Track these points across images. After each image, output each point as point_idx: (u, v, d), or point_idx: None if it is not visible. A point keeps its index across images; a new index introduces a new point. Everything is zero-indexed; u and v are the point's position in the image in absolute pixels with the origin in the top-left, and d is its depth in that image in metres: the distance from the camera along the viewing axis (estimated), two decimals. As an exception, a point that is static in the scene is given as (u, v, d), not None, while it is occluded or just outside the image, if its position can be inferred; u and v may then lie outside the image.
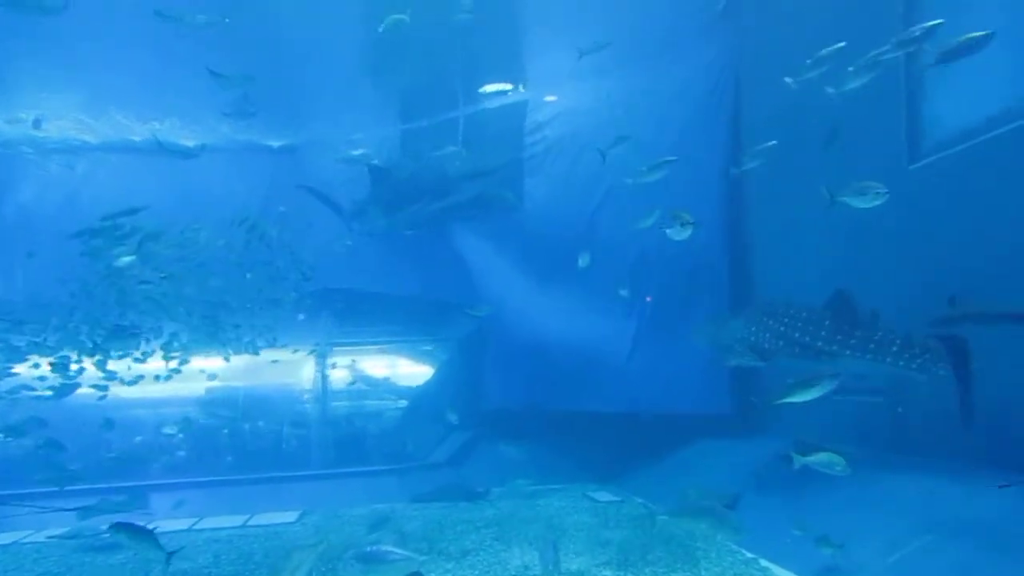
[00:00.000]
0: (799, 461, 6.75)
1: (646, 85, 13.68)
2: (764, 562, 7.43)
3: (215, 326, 12.58)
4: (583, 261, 11.66)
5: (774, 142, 9.56)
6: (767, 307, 8.87)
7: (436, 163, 14.38)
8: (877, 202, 6.97)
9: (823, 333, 7.89)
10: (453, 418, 12.37)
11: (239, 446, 14.52)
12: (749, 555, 7.64)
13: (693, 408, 12.31)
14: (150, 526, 6.95)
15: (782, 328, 8.30)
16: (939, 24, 6.99)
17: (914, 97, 8.76)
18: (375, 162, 13.49)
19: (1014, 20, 7.18)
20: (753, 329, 8.74)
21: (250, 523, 10.64)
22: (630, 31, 12.53)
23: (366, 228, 15.44)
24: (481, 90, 14.11)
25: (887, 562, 6.41)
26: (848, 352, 7.64)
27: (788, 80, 8.87)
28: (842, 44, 8.16)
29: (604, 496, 11.52)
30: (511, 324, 14.22)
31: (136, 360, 12.10)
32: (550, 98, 15.19)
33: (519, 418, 13.30)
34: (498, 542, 8.81)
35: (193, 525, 10.64)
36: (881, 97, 8.82)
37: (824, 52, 8.27)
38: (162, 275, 11.33)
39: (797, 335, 8.12)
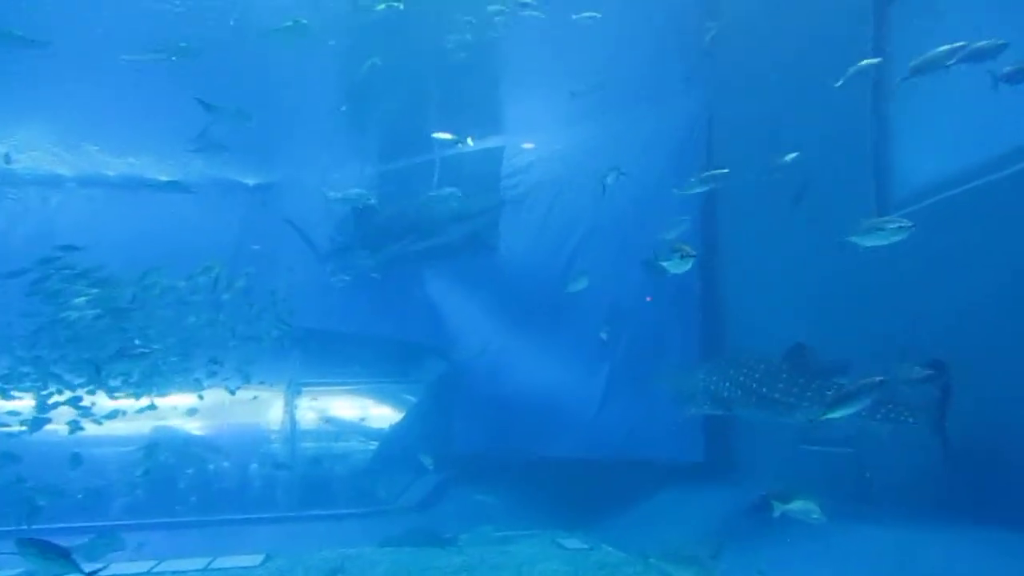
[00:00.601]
0: (779, 508, 6.75)
1: (621, 131, 13.91)
2: (735, 612, 7.39)
3: (184, 364, 12.36)
4: (577, 285, 11.51)
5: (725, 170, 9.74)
6: (730, 357, 9.05)
7: (424, 203, 14.37)
8: (898, 237, 6.63)
9: (780, 384, 7.96)
10: (428, 462, 12.13)
11: (203, 486, 14.23)
12: (720, 605, 7.60)
13: (665, 455, 12.28)
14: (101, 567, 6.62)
15: (741, 378, 8.39)
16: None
17: (882, 149, 8.98)
18: (370, 201, 13.40)
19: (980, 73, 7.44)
20: (715, 379, 8.83)
21: (212, 566, 10.39)
22: (607, 78, 12.77)
23: (351, 265, 15.31)
24: (437, 135, 14.20)
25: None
26: (805, 404, 7.69)
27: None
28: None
29: (574, 543, 11.41)
30: (483, 367, 14.20)
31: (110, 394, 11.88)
32: (527, 145, 15.39)
33: (489, 463, 13.20)
34: (466, 589, 8.70)
35: (153, 568, 10.36)
36: (849, 150, 9.07)
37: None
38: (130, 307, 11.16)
39: (755, 386, 8.19)
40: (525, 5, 10.13)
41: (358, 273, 15.46)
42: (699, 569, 6.87)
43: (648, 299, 12.90)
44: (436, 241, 14.20)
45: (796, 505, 6.66)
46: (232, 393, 13.16)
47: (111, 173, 16.61)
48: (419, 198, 14.63)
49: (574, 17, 10.93)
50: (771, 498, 6.91)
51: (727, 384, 8.58)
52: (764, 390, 8.07)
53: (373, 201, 13.31)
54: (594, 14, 10.71)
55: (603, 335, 11.97)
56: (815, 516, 6.54)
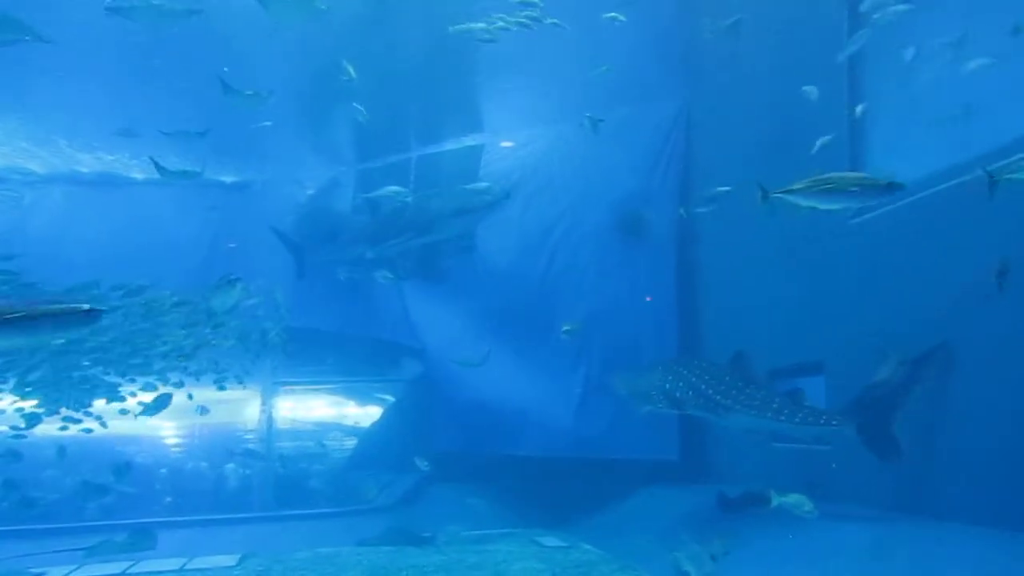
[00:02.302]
0: (777, 500, 7.09)
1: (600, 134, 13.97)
2: (710, 611, 7.47)
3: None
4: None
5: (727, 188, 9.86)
6: (682, 360, 9.68)
7: (423, 198, 14.19)
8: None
9: (722, 387, 8.71)
10: (424, 465, 11.99)
11: (178, 486, 14.13)
12: (695, 603, 7.67)
13: (642, 454, 12.39)
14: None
15: (693, 379, 9.08)
16: None
17: (858, 151, 9.14)
18: (407, 199, 13.10)
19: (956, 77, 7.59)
20: (669, 379, 9.40)
21: (188, 567, 10.31)
22: (585, 79, 12.80)
23: (348, 259, 15.16)
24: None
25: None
26: (738, 407, 8.48)
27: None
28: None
29: (552, 541, 11.45)
30: (460, 368, 14.23)
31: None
32: (506, 143, 15.42)
33: (468, 462, 13.23)
34: (444, 588, 8.71)
35: (128, 568, 10.26)
36: (826, 150, 9.21)
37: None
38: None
39: (703, 387, 8.91)
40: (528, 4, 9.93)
41: (347, 270, 15.45)
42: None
43: (648, 299, 12.98)
44: (435, 236, 13.92)
45: (791, 499, 6.88)
46: (221, 389, 13.01)
47: (84, 169, 16.43)
48: (419, 193, 14.53)
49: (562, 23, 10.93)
50: (768, 490, 7.17)
51: (680, 385, 9.20)
52: (710, 392, 8.80)
53: (409, 199, 13.00)
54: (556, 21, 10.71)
55: (565, 328, 11.81)
56: (807, 510, 6.77)
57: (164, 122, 12.36)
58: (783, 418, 8.07)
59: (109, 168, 16.39)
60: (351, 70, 10.73)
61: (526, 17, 9.85)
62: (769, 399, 8.33)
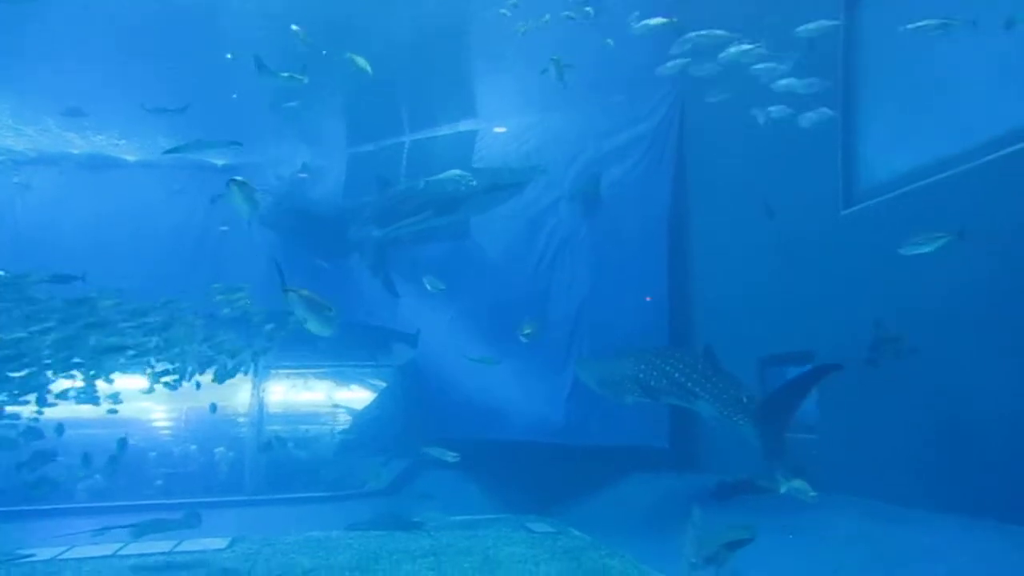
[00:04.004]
0: (785, 486, 7.14)
1: (592, 121, 13.93)
2: (697, 596, 7.52)
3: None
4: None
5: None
6: (654, 349, 9.80)
7: (442, 179, 13.95)
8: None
9: (695, 376, 9.00)
10: (442, 454, 11.64)
11: (169, 470, 14.13)
12: (682, 589, 7.73)
13: (631, 441, 12.43)
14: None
15: (668, 368, 9.26)
16: None
17: (850, 143, 9.14)
18: (472, 183, 12.78)
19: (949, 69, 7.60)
20: (643, 368, 9.52)
21: (178, 549, 10.32)
22: (578, 70, 12.75)
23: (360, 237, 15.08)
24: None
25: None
26: (704, 396, 8.84)
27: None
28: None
29: (541, 527, 11.51)
30: (452, 353, 14.24)
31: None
32: (499, 129, 15.37)
33: (458, 448, 13.26)
34: (433, 572, 8.72)
35: (118, 551, 10.27)
36: (818, 143, 9.22)
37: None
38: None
39: (677, 375, 9.15)
40: None
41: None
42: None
43: (648, 299, 12.99)
44: (460, 215, 13.62)
45: (795, 484, 7.03)
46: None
47: (75, 151, 16.33)
48: (437, 174, 14.41)
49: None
50: (778, 475, 7.30)
51: (655, 374, 9.37)
52: (683, 379, 9.08)
53: (475, 183, 12.71)
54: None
55: (526, 332, 11.21)
56: (811, 496, 6.90)
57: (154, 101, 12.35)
58: (727, 410, 8.53)
59: (100, 150, 16.29)
60: (362, 62, 10.54)
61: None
62: (724, 389, 8.73)
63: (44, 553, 10.11)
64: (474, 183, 12.16)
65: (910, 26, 7.11)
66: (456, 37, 13.00)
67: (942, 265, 7.39)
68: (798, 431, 9.48)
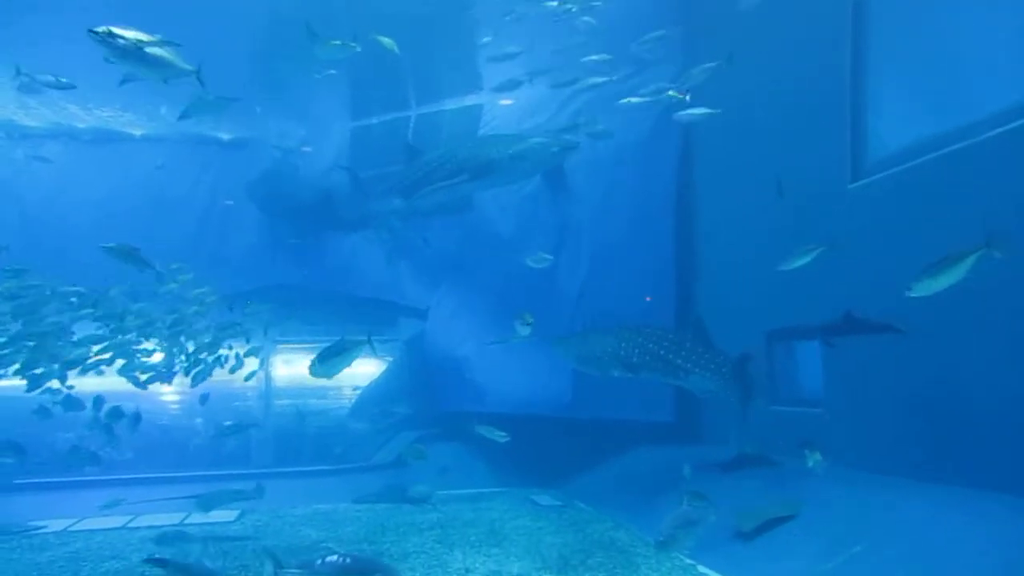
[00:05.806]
0: (811, 459, 7.30)
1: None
2: (702, 568, 7.58)
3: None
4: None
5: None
6: (633, 326, 9.93)
7: (479, 142, 13.56)
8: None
9: (683, 352, 9.26)
10: (490, 432, 11.04)
11: (178, 443, 14.24)
12: (688, 561, 7.78)
13: (637, 415, 12.47)
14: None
15: (651, 345, 9.46)
16: None
17: (859, 116, 9.02)
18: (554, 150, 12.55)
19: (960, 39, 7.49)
20: (623, 344, 9.66)
21: (188, 521, 10.46)
22: (581, 51, 12.57)
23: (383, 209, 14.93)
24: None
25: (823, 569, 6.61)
26: (698, 370, 9.15)
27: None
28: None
29: (546, 500, 11.62)
30: (459, 327, 14.26)
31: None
32: (505, 101, 15.25)
33: (465, 421, 13.33)
34: (440, 544, 8.82)
35: (128, 523, 10.41)
36: (826, 115, 9.11)
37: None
38: None
39: (662, 352, 9.38)
40: None
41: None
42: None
43: (648, 299, 12.94)
44: (491, 182, 13.11)
45: (814, 458, 7.26)
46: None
47: (80, 125, 16.27)
48: (473, 138, 14.11)
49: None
50: (802, 448, 7.42)
51: (636, 351, 9.55)
52: (670, 356, 9.31)
53: (555, 149, 12.51)
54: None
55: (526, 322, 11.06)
56: (826, 467, 7.22)
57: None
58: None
59: (105, 124, 16.23)
60: (390, 43, 10.42)
61: None
62: (720, 362, 9.12)
63: (55, 525, 10.26)
64: (555, 149, 12.12)
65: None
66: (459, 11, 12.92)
67: (951, 239, 7.33)
68: (803, 405, 9.51)
